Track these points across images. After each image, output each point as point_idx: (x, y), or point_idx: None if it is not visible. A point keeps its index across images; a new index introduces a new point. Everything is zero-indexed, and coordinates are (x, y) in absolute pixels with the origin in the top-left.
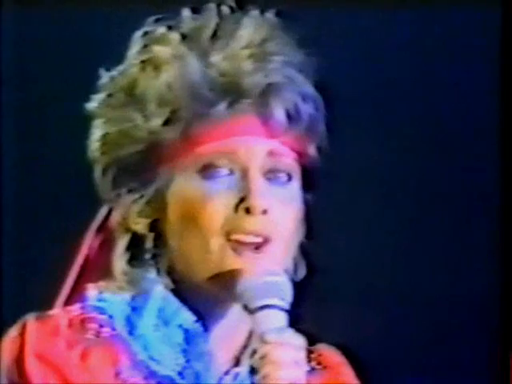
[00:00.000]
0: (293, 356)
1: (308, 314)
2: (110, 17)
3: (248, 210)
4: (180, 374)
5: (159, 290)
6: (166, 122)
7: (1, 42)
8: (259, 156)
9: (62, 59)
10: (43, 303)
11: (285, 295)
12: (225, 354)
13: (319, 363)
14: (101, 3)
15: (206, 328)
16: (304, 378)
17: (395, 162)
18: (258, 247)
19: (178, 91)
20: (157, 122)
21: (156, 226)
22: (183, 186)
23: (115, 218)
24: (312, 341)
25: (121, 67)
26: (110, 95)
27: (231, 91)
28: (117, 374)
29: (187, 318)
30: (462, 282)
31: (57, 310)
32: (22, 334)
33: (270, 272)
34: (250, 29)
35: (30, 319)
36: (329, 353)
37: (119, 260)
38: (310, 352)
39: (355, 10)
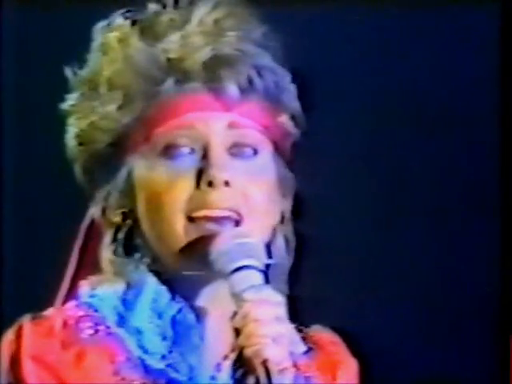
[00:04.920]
0: (273, 312)
1: (301, 295)
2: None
3: (210, 184)
4: (173, 367)
5: (151, 281)
6: (121, 106)
7: (1, 42)
8: (218, 129)
9: (63, 58)
10: (43, 302)
11: (258, 255)
12: (221, 343)
13: (314, 343)
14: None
15: (200, 320)
16: (287, 333)
17: (397, 166)
18: (230, 223)
19: (124, 73)
20: (112, 107)
21: (132, 215)
22: (147, 170)
23: (97, 213)
24: (306, 322)
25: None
26: (82, 93)
27: (178, 68)
28: (115, 372)
29: (180, 309)
30: (460, 263)
31: (52, 310)
32: (18, 337)
33: (242, 234)
34: (205, 9)
35: (26, 321)
36: (323, 333)
37: (105, 251)
38: (304, 333)
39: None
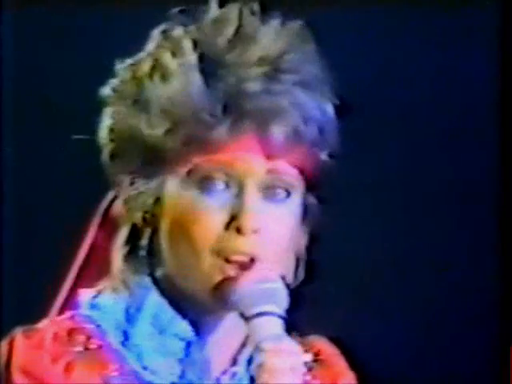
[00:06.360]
0: (289, 363)
1: (306, 316)
2: (121, 14)
3: (238, 230)
4: (174, 383)
5: (153, 297)
6: (167, 132)
7: (1, 42)
8: (257, 173)
9: (69, 57)
10: (43, 313)
11: (281, 302)
12: (221, 358)
13: (314, 355)
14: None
15: (202, 336)
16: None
17: (397, 166)
18: (243, 266)
19: (179, 107)
20: (158, 131)
21: (153, 222)
22: (179, 193)
23: (119, 206)
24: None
25: (137, 57)
26: (122, 82)
27: (233, 112)
28: None
29: (182, 326)
30: (461, 281)
31: (45, 322)
32: (9, 349)
33: (266, 278)
34: (267, 40)
35: (18, 334)
36: (321, 344)
37: (117, 254)
38: (306, 346)
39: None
